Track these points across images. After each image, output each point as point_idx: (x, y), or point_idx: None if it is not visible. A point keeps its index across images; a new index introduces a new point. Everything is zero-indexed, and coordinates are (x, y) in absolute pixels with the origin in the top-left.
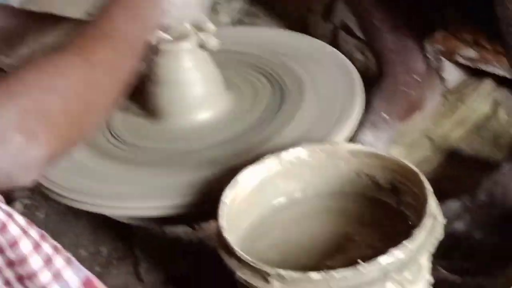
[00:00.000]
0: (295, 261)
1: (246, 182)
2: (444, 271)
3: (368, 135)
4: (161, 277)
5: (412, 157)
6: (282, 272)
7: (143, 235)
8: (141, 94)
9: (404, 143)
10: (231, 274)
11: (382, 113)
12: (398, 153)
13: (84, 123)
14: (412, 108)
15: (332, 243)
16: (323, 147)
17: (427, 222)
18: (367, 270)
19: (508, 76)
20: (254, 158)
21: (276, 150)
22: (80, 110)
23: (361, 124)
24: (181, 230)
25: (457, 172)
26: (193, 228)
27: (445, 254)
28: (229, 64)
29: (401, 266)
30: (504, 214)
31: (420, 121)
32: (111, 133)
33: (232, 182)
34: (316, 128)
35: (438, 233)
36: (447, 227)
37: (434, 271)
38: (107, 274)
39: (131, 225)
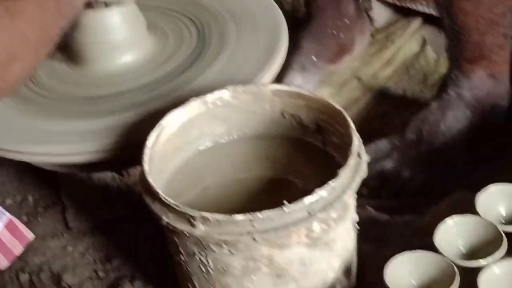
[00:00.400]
0: (224, 205)
1: (171, 125)
2: (372, 210)
3: (297, 78)
4: (89, 224)
5: (341, 97)
6: (206, 214)
7: (70, 182)
8: (62, 39)
9: (333, 84)
10: (158, 219)
11: (312, 56)
12: (327, 94)
13: (6, 74)
14: (342, 51)
15: (260, 185)
16: (247, 89)
17: (351, 161)
18: (291, 210)
19: (435, 14)
20: (178, 101)
21: (201, 92)
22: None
23: (291, 67)
24: (108, 177)
25: (386, 111)
26: (121, 175)
27: (374, 193)
28: (151, 6)
29: (326, 205)
30: (432, 152)
31: (349, 62)
32: (31, 80)
33: (156, 126)
34: (241, 70)
35: (363, 172)
36: (376, 166)
37: (362, 210)
38: (35, 223)
39: (58, 173)
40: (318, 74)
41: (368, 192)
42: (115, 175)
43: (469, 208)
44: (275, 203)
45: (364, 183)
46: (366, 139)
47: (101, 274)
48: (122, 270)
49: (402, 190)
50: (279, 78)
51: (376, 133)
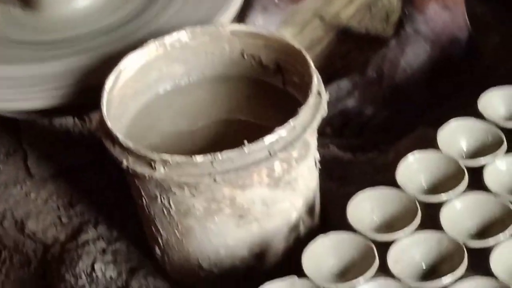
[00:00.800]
0: (186, 148)
1: (128, 68)
2: (335, 148)
3: (259, 19)
4: (51, 171)
5: (304, 37)
6: (166, 156)
7: (31, 129)
8: None
9: (295, 24)
10: (118, 164)
11: None
12: (289, 34)
13: None
14: None
15: (221, 127)
16: (206, 30)
17: (311, 100)
18: (252, 150)
19: None
20: (136, 44)
21: (159, 35)
22: None
23: (252, 8)
24: (70, 123)
25: (349, 50)
26: (83, 120)
27: (337, 132)
28: None
29: (287, 145)
30: (393, 89)
31: (311, 1)
32: None
33: (114, 69)
34: (199, 11)
35: (323, 110)
36: (338, 106)
37: (325, 149)
38: None
39: (19, 120)
40: (280, 15)
41: (331, 131)
42: (77, 120)
43: (431, 144)
44: (238, 145)
45: (327, 122)
46: (330, 79)
47: (64, 220)
48: (85, 216)
49: (365, 128)
50: (240, 20)
51: (340, 72)
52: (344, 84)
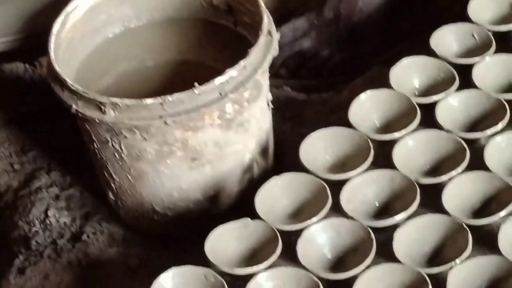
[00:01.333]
0: (138, 92)
1: (76, 11)
2: (289, 89)
3: None
4: (3, 118)
5: None
6: (116, 100)
7: None
8: None
9: None
10: (68, 108)
11: None
12: None
13: None
14: None
15: (174, 70)
16: None
17: (261, 40)
18: (202, 91)
19: None
20: None
21: None
22: None
23: None
24: (21, 68)
25: None
26: (33, 66)
27: (292, 73)
28: None
29: (238, 86)
30: (350, 29)
31: None
32: None
33: (62, 12)
34: None
35: (274, 50)
36: (294, 46)
37: (280, 91)
38: None
39: None
40: None
41: (286, 73)
42: (27, 66)
43: (385, 83)
44: (189, 87)
45: (282, 64)
46: (284, 20)
47: (17, 167)
48: (38, 162)
49: (321, 69)
50: None
51: (294, 14)
52: (300, 23)
